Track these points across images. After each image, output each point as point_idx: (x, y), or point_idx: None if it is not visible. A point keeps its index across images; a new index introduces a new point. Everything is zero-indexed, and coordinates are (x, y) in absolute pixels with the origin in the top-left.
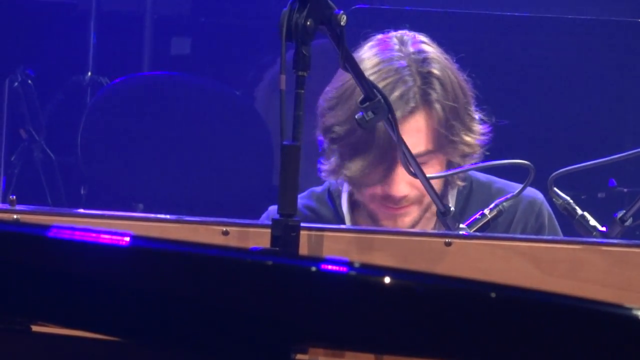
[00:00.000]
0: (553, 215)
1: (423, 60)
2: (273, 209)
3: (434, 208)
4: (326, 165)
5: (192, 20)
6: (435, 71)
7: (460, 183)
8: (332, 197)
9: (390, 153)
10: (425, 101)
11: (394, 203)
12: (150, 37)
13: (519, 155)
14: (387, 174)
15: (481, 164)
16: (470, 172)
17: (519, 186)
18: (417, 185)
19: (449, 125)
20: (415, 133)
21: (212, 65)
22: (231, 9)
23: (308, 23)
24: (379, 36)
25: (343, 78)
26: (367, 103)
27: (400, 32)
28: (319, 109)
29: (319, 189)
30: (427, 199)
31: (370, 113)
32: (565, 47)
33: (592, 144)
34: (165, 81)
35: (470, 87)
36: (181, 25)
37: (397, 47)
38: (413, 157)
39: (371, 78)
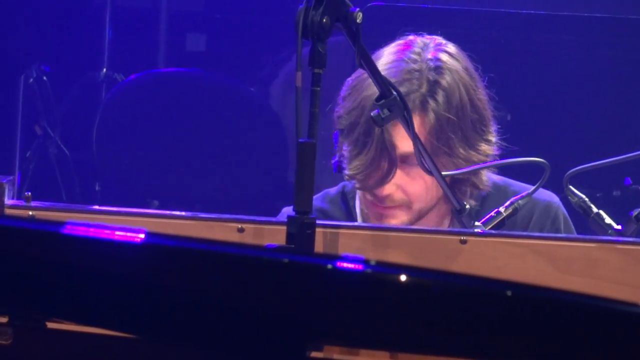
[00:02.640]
0: (569, 219)
1: (436, 69)
2: (286, 210)
3: (443, 209)
4: (337, 158)
5: (207, 16)
6: (444, 82)
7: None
8: (346, 199)
9: (389, 153)
10: (423, 108)
11: (378, 200)
12: (165, 33)
13: (535, 153)
14: (383, 174)
15: (497, 162)
16: (487, 175)
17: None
18: (407, 190)
19: (444, 137)
20: (404, 135)
21: (227, 61)
22: (246, 5)
23: (324, 20)
24: (410, 37)
25: (360, 70)
26: (383, 100)
27: (430, 37)
28: (337, 105)
29: (333, 190)
30: (419, 206)
31: (385, 110)
32: (580, 45)
33: (608, 142)
34: (181, 78)
35: (489, 106)
36: (196, 22)
37: (417, 50)
38: (428, 153)
39: (382, 73)
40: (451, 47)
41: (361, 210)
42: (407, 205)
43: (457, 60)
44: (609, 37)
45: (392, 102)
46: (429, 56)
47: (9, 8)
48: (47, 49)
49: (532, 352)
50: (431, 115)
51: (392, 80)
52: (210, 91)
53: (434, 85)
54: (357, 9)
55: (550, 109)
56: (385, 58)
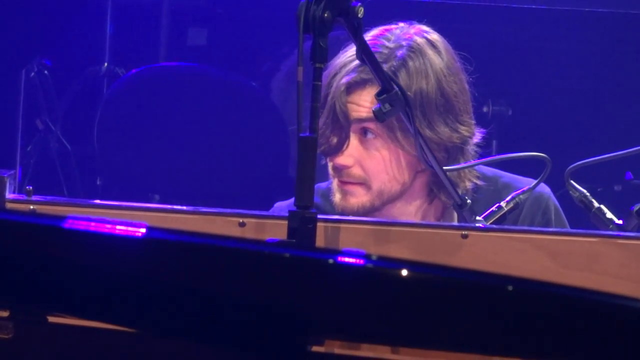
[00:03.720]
0: (560, 210)
1: (407, 48)
2: (279, 205)
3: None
4: None
5: (209, 11)
6: (410, 62)
7: (468, 183)
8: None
9: (342, 118)
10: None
11: (339, 174)
12: (166, 27)
13: (536, 147)
14: (339, 141)
15: (498, 157)
16: (477, 167)
17: (526, 180)
18: (363, 165)
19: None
20: (358, 104)
21: (228, 56)
22: None
23: (325, 15)
24: (400, 23)
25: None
26: (384, 95)
27: (417, 25)
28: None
29: (324, 184)
30: (378, 185)
31: (387, 105)
32: (581, 40)
33: (609, 136)
34: (182, 72)
35: (464, 98)
36: (197, 16)
37: (396, 31)
38: (428, 146)
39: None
40: (434, 36)
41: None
42: (365, 183)
43: (433, 47)
44: (610, 32)
45: (393, 96)
46: (405, 37)
47: (10, 2)
48: (49, 43)
49: (533, 347)
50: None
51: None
52: (211, 85)
53: (400, 64)
54: (359, 4)
55: (552, 104)
56: (367, 37)
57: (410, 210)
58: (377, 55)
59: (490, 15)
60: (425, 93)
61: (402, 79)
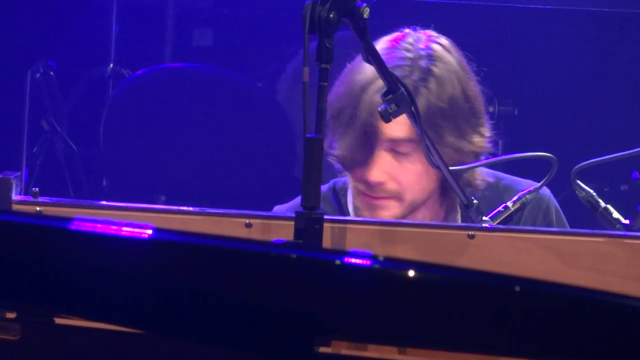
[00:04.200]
0: (560, 211)
1: (428, 57)
2: (278, 208)
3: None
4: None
5: (214, 11)
6: (437, 70)
7: (480, 182)
8: (338, 195)
9: (372, 136)
10: (414, 94)
11: (370, 190)
12: (172, 28)
13: (542, 148)
14: (367, 156)
15: (504, 157)
16: (478, 169)
17: (526, 182)
18: (398, 179)
19: (433, 124)
20: (398, 120)
21: (234, 56)
22: (253, 0)
23: (331, 15)
24: (406, 30)
25: (357, 59)
26: (390, 95)
27: (422, 31)
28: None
29: (324, 187)
30: (411, 197)
31: (393, 105)
32: (588, 39)
33: (615, 136)
34: (187, 73)
35: (481, 100)
36: (203, 17)
37: (410, 40)
38: (435, 148)
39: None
40: (444, 40)
41: (354, 206)
42: (398, 196)
43: (449, 52)
44: (616, 31)
45: (399, 97)
46: (422, 46)
47: (15, 3)
48: (54, 44)
49: (540, 347)
50: (422, 102)
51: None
52: (217, 86)
53: (426, 73)
54: (364, 4)
55: (558, 104)
56: (379, 47)
57: (429, 214)
58: (400, 69)
59: (495, 14)
60: (455, 100)
61: (433, 89)
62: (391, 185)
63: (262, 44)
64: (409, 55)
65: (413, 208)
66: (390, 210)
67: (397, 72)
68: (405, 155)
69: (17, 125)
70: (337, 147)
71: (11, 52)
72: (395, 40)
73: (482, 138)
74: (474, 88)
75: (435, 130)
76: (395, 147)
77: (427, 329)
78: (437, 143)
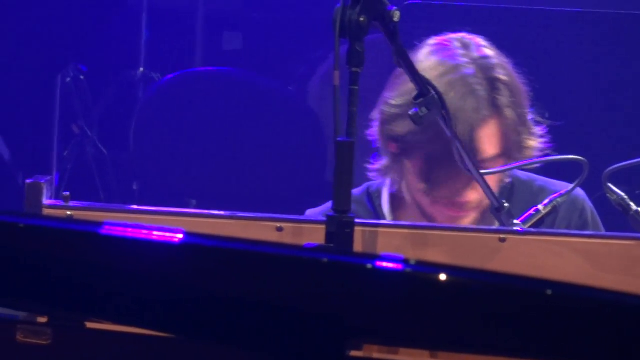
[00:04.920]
0: (595, 212)
1: (489, 66)
2: (310, 212)
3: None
4: (389, 174)
5: (244, 15)
6: (502, 77)
7: (506, 180)
8: (372, 198)
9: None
10: (496, 108)
11: (458, 207)
12: (201, 32)
13: (573, 151)
14: (468, 180)
15: (536, 160)
16: (512, 171)
17: (559, 183)
18: (479, 189)
19: (517, 130)
20: (487, 140)
21: (263, 60)
22: (283, 3)
23: (361, 19)
24: (436, 40)
25: (406, 83)
26: (421, 99)
27: (459, 35)
28: (383, 116)
29: (357, 190)
30: (486, 202)
31: (424, 109)
32: (619, 42)
33: None
34: (217, 77)
35: (526, 89)
36: (233, 20)
37: (461, 52)
38: (468, 153)
39: (439, 87)
40: (482, 40)
41: (390, 209)
42: (480, 205)
43: (494, 50)
44: None
45: (430, 100)
46: (476, 55)
47: (46, 8)
48: (84, 48)
49: (572, 350)
50: (508, 112)
51: (454, 92)
52: (247, 90)
53: (494, 83)
54: (395, 8)
55: (589, 106)
56: (433, 71)
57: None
58: (464, 79)
59: (526, 18)
60: (521, 103)
61: (505, 97)
62: (475, 197)
63: (292, 47)
64: (469, 71)
65: (483, 212)
66: (469, 218)
67: (470, 95)
68: (485, 168)
69: (48, 130)
70: (428, 179)
71: (41, 56)
72: (448, 57)
73: (537, 128)
74: (523, 88)
75: (519, 136)
76: (487, 165)
77: (458, 332)
78: (522, 149)
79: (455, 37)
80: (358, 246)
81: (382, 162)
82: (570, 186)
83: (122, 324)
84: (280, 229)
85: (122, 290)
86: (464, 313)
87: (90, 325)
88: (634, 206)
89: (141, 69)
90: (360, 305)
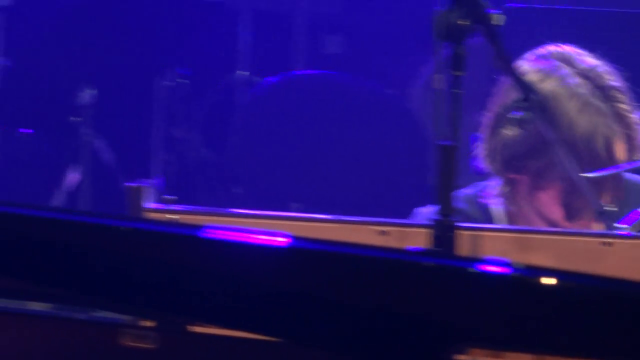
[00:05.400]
0: None
1: (596, 76)
2: (417, 211)
3: None
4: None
5: (345, 18)
6: (610, 82)
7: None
8: (483, 200)
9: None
10: (621, 119)
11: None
12: (302, 35)
13: None
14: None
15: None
16: (623, 173)
17: None
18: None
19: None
20: (620, 148)
21: (365, 63)
22: (384, 6)
23: (462, 23)
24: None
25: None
26: (525, 103)
27: (554, 48)
28: (490, 132)
29: (469, 190)
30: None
31: (527, 113)
32: None
33: None
34: (319, 80)
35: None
36: (334, 24)
37: (567, 70)
38: (568, 157)
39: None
40: (577, 49)
41: (506, 213)
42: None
43: (602, 61)
44: None
45: (533, 104)
46: (582, 67)
47: (145, 13)
48: (185, 52)
49: None
50: (631, 118)
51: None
52: (348, 93)
53: (608, 91)
54: (496, 11)
55: None
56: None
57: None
58: (595, 113)
59: (624, 21)
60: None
61: (622, 99)
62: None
63: (393, 50)
64: (584, 89)
65: None
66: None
67: (595, 116)
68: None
69: (152, 134)
70: (573, 199)
71: (143, 60)
72: (551, 64)
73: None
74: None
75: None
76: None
77: (564, 337)
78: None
79: (552, 51)
80: (462, 250)
81: (500, 188)
82: None
83: (226, 327)
84: (384, 233)
85: (226, 294)
86: (571, 318)
87: (195, 329)
88: None
89: (243, 72)
90: (465, 310)
